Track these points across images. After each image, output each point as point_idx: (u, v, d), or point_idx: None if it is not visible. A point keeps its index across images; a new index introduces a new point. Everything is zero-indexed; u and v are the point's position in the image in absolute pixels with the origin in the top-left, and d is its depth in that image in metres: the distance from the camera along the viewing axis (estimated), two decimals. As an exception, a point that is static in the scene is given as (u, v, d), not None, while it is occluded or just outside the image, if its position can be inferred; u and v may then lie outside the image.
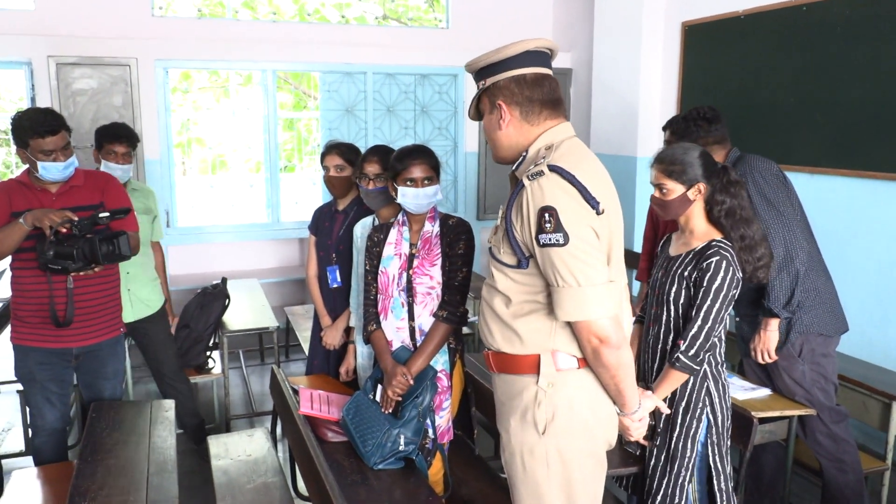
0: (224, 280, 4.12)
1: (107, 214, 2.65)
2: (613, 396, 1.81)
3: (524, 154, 1.80)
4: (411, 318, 2.47)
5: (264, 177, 6.16)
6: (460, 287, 2.46)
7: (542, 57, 1.80)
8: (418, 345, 2.45)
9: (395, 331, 2.49)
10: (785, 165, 3.95)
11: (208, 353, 4.07)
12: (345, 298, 3.07)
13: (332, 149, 3.08)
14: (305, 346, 3.97)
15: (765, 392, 2.72)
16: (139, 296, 3.49)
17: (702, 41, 4.74)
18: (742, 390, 2.70)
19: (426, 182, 2.44)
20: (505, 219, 1.75)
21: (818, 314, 2.67)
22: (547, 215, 1.63)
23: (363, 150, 2.92)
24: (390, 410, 2.39)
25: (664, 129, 3.14)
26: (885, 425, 2.92)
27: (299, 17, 6.53)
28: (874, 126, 3.62)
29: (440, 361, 2.49)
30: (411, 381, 2.38)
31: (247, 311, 4.35)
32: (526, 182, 1.68)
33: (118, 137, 3.35)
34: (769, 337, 2.68)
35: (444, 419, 2.50)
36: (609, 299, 1.67)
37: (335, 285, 3.10)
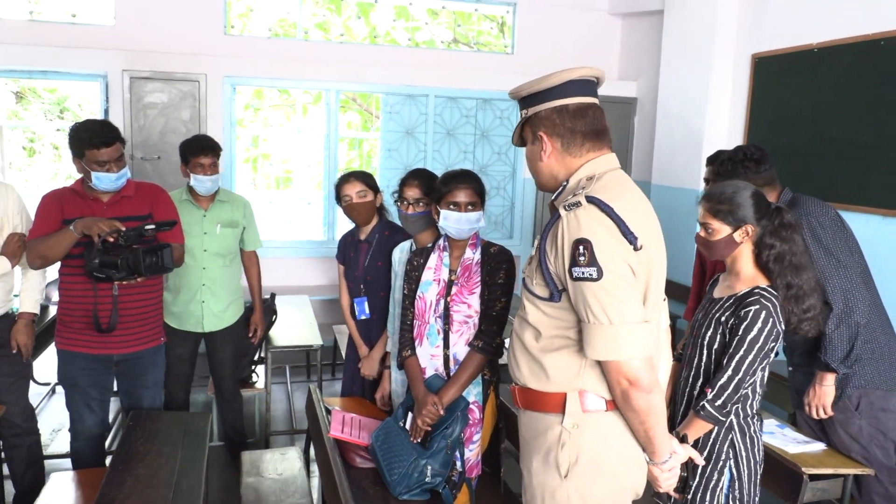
0: (273, 296, 4.15)
1: (152, 227, 2.70)
2: (643, 443, 1.71)
3: (564, 183, 1.74)
4: (446, 346, 2.42)
5: (322, 195, 6.22)
6: (498, 317, 2.39)
7: (587, 86, 1.74)
8: (452, 374, 2.39)
9: (429, 358, 2.44)
10: (857, 206, 3.77)
11: (253, 367, 4.10)
12: (377, 328, 3.03)
13: (350, 176, 3.05)
14: (348, 367, 3.95)
15: (819, 447, 2.55)
16: (212, 309, 3.52)
17: (772, 74, 4.57)
18: (794, 443, 2.55)
19: (470, 207, 2.40)
20: (539, 249, 1.69)
21: (878, 368, 2.49)
22: (581, 248, 1.56)
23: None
24: (419, 440, 2.33)
25: (708, 163, 2.98)
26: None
27: (370, 39, 6.63)
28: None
29: (473, 393, 2.42)
30: (442, 411, 2.32)
31: (294, 328, 4.36)
32: (562, 212, 1.62)
33: (203, 149, 3.39)
34: (825, 392, 2.51)
35: (473, 453, 2.43)
36: (643, 339, 1.58)
37: (363, 317, 3.06)
